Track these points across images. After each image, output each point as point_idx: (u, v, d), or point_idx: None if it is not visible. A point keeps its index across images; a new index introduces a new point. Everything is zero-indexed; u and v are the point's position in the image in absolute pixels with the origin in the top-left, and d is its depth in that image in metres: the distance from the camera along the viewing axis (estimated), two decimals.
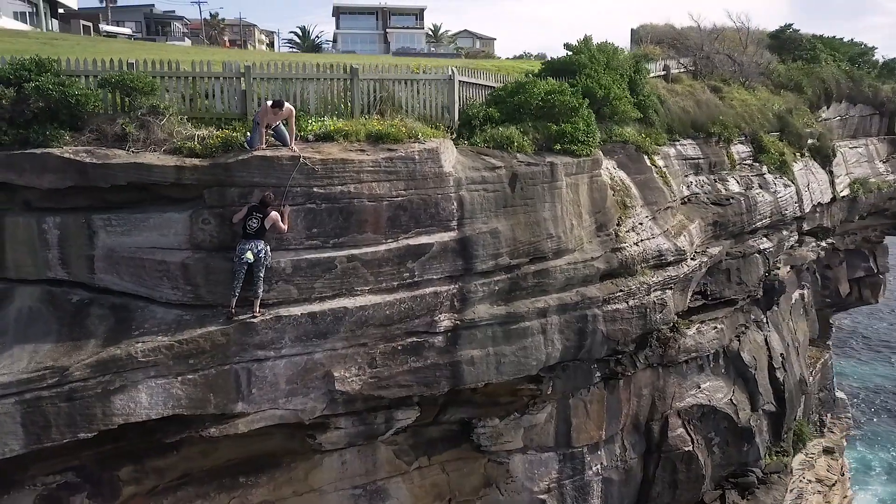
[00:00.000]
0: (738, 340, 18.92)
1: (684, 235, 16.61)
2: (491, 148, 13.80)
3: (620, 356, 14.98)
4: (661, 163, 17.86)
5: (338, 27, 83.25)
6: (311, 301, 11.15)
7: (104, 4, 73.69)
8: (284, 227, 10.65)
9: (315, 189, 11.08)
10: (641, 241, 15.40)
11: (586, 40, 19.22)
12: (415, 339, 12.03)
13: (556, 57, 18.73)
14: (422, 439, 13.76)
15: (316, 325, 11.08)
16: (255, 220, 10.33)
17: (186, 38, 77.97)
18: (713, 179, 19.86)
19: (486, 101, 15.09)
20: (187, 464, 11.85)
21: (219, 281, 10.59)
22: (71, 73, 11.39)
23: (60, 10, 59.72)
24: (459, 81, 14.45)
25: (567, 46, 19.07)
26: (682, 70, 23.38)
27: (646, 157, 17.52)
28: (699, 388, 17.27)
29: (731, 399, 17.80)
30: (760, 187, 20.98)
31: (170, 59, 12.49)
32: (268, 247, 10.54)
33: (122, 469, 11.28)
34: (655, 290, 15.13)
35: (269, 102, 11.09)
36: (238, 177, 10.75)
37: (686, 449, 16.59)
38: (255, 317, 10.64)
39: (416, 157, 12.02)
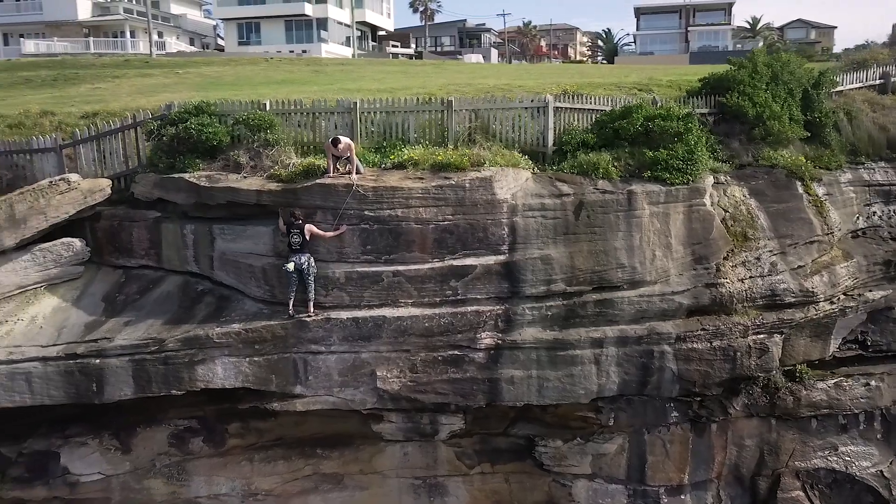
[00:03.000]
0: None
1: (823, 275, 14.57)
2: (575, 174, 14.04)
3: (703, 399, 13.93)
4: (820, 191, 15.74)
5: (637, 28, 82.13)
6: (361, 308, 12.94)
7: (423, 23, 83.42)
8: (327, 234, 12.59)
9: (366, 212, 12.82)
10: (751, 277, 14.06)
11: (756, 53, 17.66)
12: (456, 352, 13.07)
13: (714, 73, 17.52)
14: (488, 447, 14.60)
15: (359, 328, 12.84)
16: (296, 236, 12.46)
17: (492, 49, 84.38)
18: None
19: (589, 126, 15.18)
20: (282, 430, 14.48)
21: (286, 283, 12.97)
22: (220, 114, 14.72)
23: (381, 33, 69.42)
24: (555, 108, 14.86)
25: (730, 60, 17.72)
26: None
27: (799, 183, 15.63)
28: (835, 450, 14.94)
29: (881, 471, 14.99)
30: None
31: (295, 99, 15.24)
32: (311, 258, 12.58)
33: (232, 425, 14.32)
34: (755, 333, 13.73)
35: (330, 140, 13.09)
36: (303, 200, 12.98)
37: None
38: (308, 316, 12.80)
39: (467, 185, 13.00)
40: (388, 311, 12.86)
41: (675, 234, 13.91)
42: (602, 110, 15.23)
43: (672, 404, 14.00)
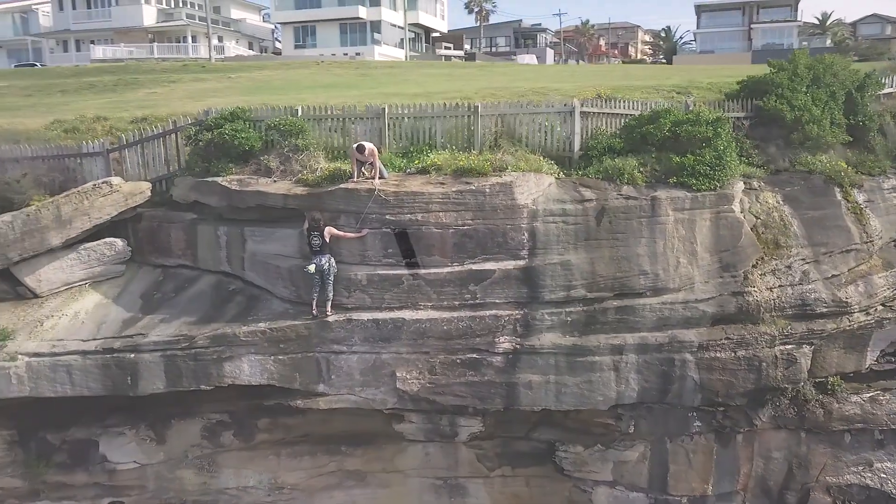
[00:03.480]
0: None
1: (858, 285, 14.10)
2: (600, 179, 13.99)
3: (727, 409, 13.66)
4: (861, 197, 15.21)
5: (698, 26, 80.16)
6: (381, 310, 13.22)
7: (478, 24, 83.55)
8: (347, 235, 12.92)
9: (387, 216, 13.08)
10: (780, 286, 13.72)
11: (797, 54, 17.17)
12: (474, 355, 13.21)
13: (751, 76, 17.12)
14: (509, 450, 14.68)
15: (379, 330, 13.13)
16: (317, 239, 12.82)
17: (548, 49, 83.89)
18: None
19: (617, 131, 15.08)
20: (309, 427, 14.89)
21: (310, 284, 13.36)
22: (254, 119, 15.23)
23: (434, 34, 69.87)
24: (582, 113, 14.83)
25: (769, 62, 17.29)
26: None
27: (837, 189, 15.14)
28: (870, 466, 14.40)
29: None
30: None
31: (326, 104, 15.64)
32: (332, 260, 12.92)
33: (261, 420, 14.79)
34: (783, 344, 13.39)
35: (355, 146, 13.40)
36: (327, 204, 13.34)
37: None
38: (327, 316, 13.15)
39: (487, 190, 13.13)
40: (407, 314, 13.10)
41: (701, 241, 13.70)
42: (630, 115, 15.10)
43: (694, 413, 13.80)
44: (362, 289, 13.27)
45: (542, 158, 14.29)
